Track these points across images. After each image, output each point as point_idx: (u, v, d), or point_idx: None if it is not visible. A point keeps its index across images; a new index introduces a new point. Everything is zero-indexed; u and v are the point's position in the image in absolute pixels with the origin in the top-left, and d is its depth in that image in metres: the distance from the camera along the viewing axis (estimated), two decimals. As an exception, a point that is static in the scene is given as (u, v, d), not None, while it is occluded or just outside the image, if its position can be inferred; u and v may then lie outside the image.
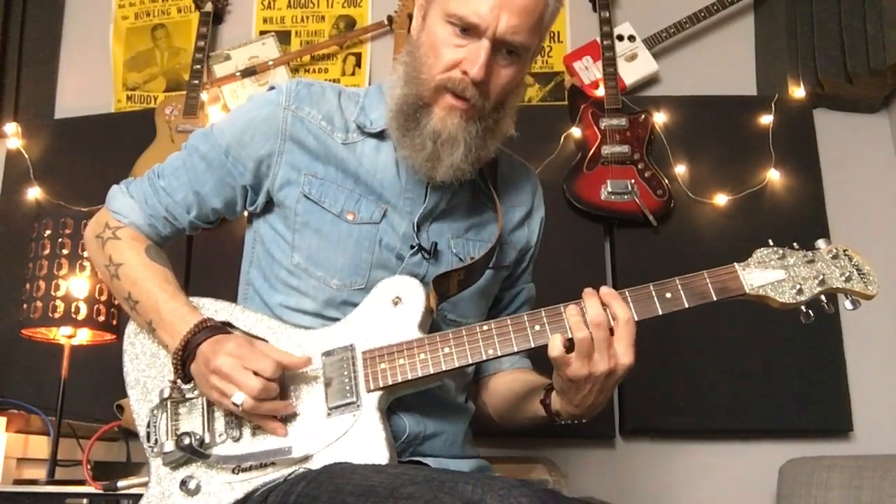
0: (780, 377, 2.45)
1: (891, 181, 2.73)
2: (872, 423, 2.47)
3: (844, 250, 1.18)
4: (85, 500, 1.80)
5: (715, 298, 1.16)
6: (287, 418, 1.19)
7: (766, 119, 2.67)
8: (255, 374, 1.14)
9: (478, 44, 1.19)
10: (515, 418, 1.41)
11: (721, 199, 2.61)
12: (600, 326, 1.12)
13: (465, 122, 1.23)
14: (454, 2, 1.19)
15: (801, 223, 2.55)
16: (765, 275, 1.16)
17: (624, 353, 1.13)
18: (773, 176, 2.63)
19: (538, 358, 1.35)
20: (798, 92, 2.69)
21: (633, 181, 2.55)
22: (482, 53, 1.18)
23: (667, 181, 2.57)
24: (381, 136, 1.32)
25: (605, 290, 1.15)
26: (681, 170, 2.64)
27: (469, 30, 1.19)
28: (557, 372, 1.17)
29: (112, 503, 1.80)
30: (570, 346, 1.13)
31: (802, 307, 1.16)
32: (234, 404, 1.13)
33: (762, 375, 2.46)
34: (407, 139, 1.25)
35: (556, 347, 1.13)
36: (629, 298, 1.16)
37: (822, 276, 1.16)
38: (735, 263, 1.18)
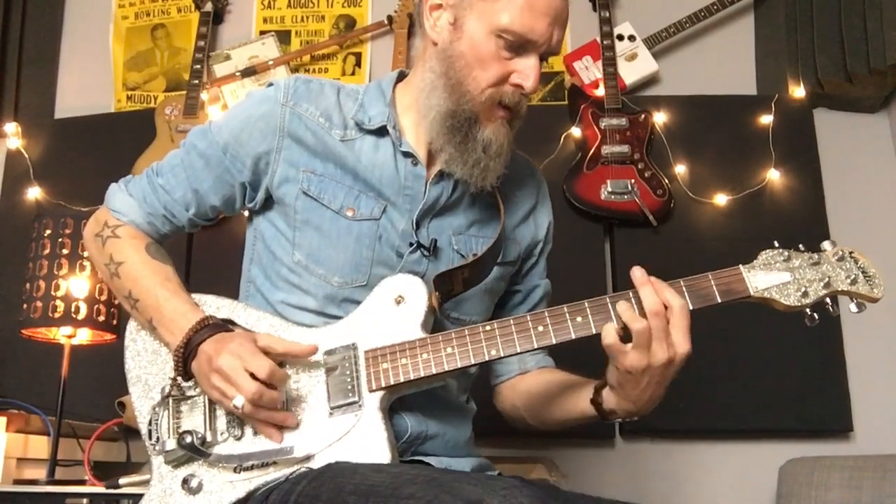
0: (780, 377, 2.45)
1: (891, 181, 2.74)
2: (872, 423, 2.48)
3: (850, 252, 1.17)
4: (85, 501, 1.80)
5: (719, 300, 1.15)
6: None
7: (766, 119, 2.67)
8: (253, 375, 1.14)
9: (529, 58, 1.20)
10: (554, 418, 1.37)
11: (721, 199, 2.62)
12: (659, 315, 1.10)
13: (509, 130, 1.26)
14: (508, 17, 1.17)
15: (801, 223, 2.54)
16: (770, 277, 1.15)
17: (682, 342, 1.11)
18: (773, 176, 2.63)
19: (561, 356, 1.34)
20: (798, 92, 2.69)
21: (633, 181, 2.55)
22: (536, 68, 1.20)
23: (667, 181, 2.57)
24: (379, 132, 1.31)
25: (656, 281, 1.13)
26: (681, 170, 2.64)
27: (522, 45, 1.19)
28: (614, 363, 1.14)
29: (112, 503, 1.80)
30: (625, 337, 1.11)
31: (807, 310, 1.15)
32: (235, 406, 1.13)
33: (762, 375, 2.46)
34: (459, 154, 1.25)
35: (609, 335, 1.11)
36: (633, 300, 1.14)
37: (827, 279, 1.15)
38: (740, 265, 1.16)
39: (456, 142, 1.25)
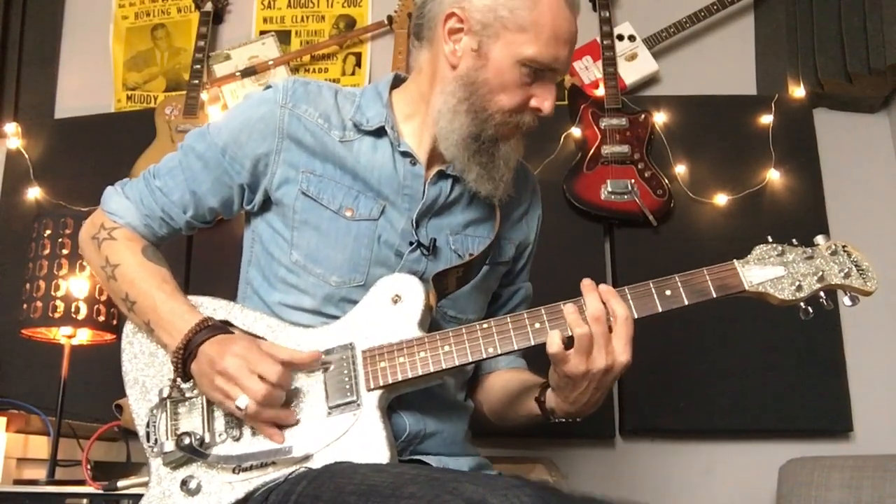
0: (780, 377, 2.45)
1: (891, 181, 2.73)
2: (872, 423, 2.47)
3: (843, 246, 1.18)
4: (85, 501, 1.80)
5: (715, 295, 1.16)
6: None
7: (766, 119, 2.67)
8: (261, 377, 1.14)
9: (548, 82, 1.25)
10: (510, 417, 1.41)
11: (721, 199, 2.61)
12: (599, 321, 1.12)
13: (522, 144, 1.32)
14: (535, 49, 1.21)
15: (801, 223, 2.54)
16: (764, 271, 1.17)
17: (622, 351, 1.13)
18: (773, 176, 2.63)
19: (534, 358, 1.35)
20: (798, 92, 2.69)
21: (633, 181, 2.55)
22: (554, 92, 1.26)
23: (667, 181, 2.57)
24: (377, 133, 1.32)
25: (604, 288, 1.15)
26: (681, 170, 2.64)
27: (543, 72, 1.24)
28: (555, 368, 1.17)
29: (112, 503, 1.80)
30: (568, 343, 1.13)
31: (801, 304, 1.16)
32: (238, 408, 1.13)
33: (762, 375, 2.45)
34: (486, 172, 1.29)
35: (554, 343, 1.13)
36: (629, 296, 1.16)
37: (821, 273, 1.16)
38: (735, 260, 1.18)
39: (483, 162, 1.28)
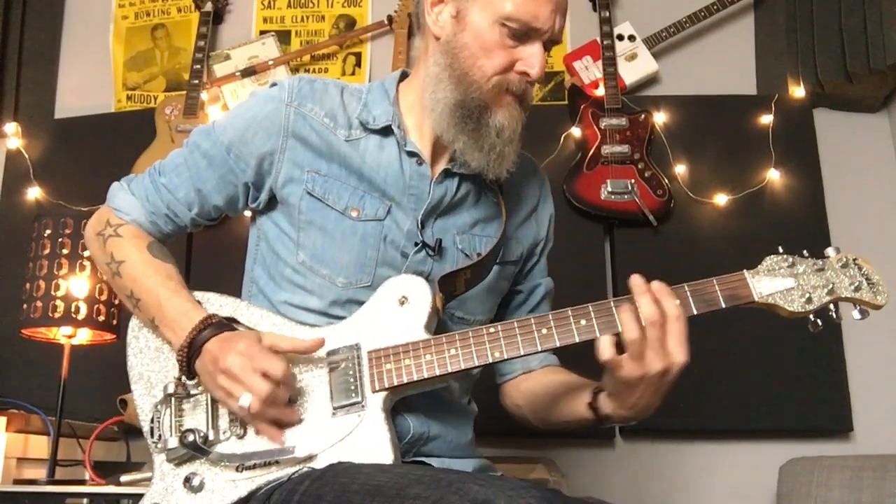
0: (780, 377, 2.46)
1: (891, 181, 2.74)
2: (872, 423, 2.48)
3: (854, 259, 1.17)
4: (85, 500, 1.79)
5: (724, 305, 1.15)
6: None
7: (766, 119, 2.67)
8: (265, 375, 1.13)
9: (534, 45, 1.22)
10: (554, 420, 1.38)
11: (721, 199, 2.62)
12: (655, 326, 1.09)
13: (521, 113, 1.27)
14: (511, 5, 1.19)
15: (801, 223, 2.55)
16: (774, 283, 1.16)
17: (678, 352, 1.11)
18: (773, 176, 2.63)
19: (572, 358, 1.34)
20: (798, 92, 2.70)
21: (633, 181, 2.55)
22: (540, 55, 1.22)
23: (667, 181, 2.57)
24: (384, 132, 1.31)
25: (657, 286, 1.12)
26: (681, 169, 2.64)
27: (526, 33, 1.20)
28: (609, 375, 1.14)
29: (112, 503, 1.79)
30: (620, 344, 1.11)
31: (810, 316, 1.15)
32: (241, 406, 1.12)
33: (762, 376, 2.46)
34: (473, 141, 1.25)
35: (606, 350, 1.10)
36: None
37: (831, 285, 1.15)
38: (745, 270, 1.17)
39: (469, 130, 1.24)
